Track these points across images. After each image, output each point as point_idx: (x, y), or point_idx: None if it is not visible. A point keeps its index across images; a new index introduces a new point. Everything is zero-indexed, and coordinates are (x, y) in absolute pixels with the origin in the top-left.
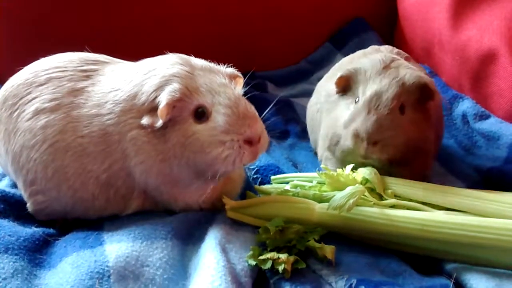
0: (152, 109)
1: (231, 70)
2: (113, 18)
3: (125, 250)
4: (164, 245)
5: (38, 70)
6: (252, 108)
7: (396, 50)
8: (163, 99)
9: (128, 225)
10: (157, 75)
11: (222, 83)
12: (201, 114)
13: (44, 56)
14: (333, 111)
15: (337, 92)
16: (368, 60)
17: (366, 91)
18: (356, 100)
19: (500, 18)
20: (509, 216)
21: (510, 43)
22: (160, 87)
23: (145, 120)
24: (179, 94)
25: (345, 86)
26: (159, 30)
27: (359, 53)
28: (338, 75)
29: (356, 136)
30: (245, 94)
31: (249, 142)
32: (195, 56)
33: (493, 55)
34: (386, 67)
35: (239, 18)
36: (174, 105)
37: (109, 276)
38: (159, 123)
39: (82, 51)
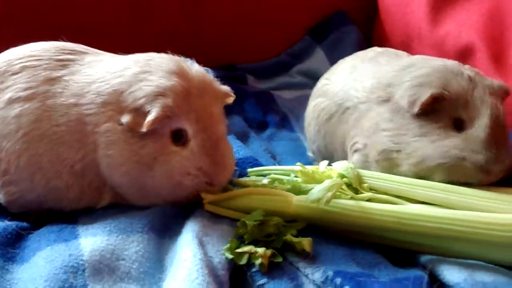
0: (136, 112)
1: (226, 90)
2: (89, 10)
3: (100, 243)
4: (140, 239)
5: (11, 59)
6: (229, 155)
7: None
8: (154, 112)
9: (103, 218)
10: (151, 81)
11: (213, 114)
12: (179, 137)
13: (15, 45)
14: (377, 121)
15: (419, 112)
16: (451, 74)
17: (477, 116)
18: (458, 125)
19: (478, 14)
20: (480, 209)
21: (486, 38)
22: (152, 97)
23: (125, 119)
24: (169, 112)
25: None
26: (139, 22)
27: (360, 55)
28: (427, 94)
29: (485, 170)
30: None
31: (211, 184)
32: (175, 50)
33: (470, 49)
34: (471, 80)
35: (220, 11)
36: (162, 120)
37: (83, 270)
38: (141, 130)
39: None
